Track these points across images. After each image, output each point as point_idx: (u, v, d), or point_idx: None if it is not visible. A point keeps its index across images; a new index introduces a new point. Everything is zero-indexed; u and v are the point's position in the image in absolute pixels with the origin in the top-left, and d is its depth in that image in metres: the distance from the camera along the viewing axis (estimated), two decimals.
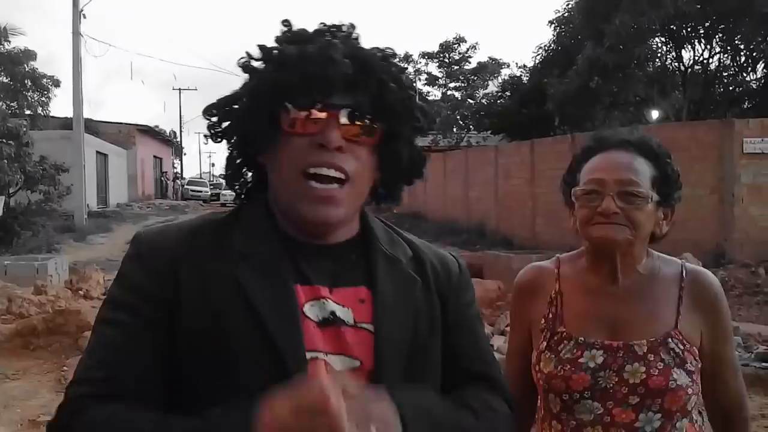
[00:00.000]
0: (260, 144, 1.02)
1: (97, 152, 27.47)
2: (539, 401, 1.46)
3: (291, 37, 1.02)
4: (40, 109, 26.54)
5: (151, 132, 39.79)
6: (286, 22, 1.04)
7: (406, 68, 1.16)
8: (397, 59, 1.06)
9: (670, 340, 1.35)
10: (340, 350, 0.97)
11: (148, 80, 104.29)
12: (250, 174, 1.11)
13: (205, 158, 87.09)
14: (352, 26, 1.06)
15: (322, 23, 1.05)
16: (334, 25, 1.04)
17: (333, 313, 0.99)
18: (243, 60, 1.04)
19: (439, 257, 1.14)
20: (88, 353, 0.98)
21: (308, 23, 1.05)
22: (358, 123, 1.00)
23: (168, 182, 45.03)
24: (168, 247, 1.00)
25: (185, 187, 45.45)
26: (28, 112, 24.85)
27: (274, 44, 1.03)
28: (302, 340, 0.94)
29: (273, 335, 0.93)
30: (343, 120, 0.98)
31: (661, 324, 1.37)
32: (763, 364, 6.08)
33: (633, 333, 1.36)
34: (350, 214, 1.05)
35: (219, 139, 1.06)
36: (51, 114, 28.21)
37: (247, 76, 1.04)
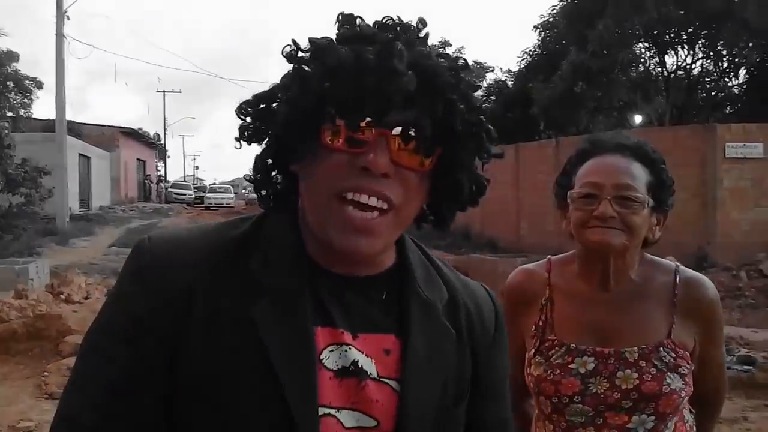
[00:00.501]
0: (295, 153, 0.88)
1: (80, 155, 27.22)
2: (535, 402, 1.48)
3: (348, 34, 0.85)
4: (23, 110, 26.32)
5: (134, 134, 39.53)
6: (345, 17, 0.88)
7: (480, 84, 0.94)
8: (470, 71, 0.90)
9: (661, 349, 1.35)
10: (357, 406, 0.85)
11: (132, 82, 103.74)
12: (280, 179, 0.93)
13: (189, 161, 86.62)
14: (422, 23, 0.89)
15: (386, 17, 0.88)
16: (399, 21, 0.87)
17: (355, 362, 0.85)
18: (289, 49, 0.87)
19: (475, 300, 0.99)
20: (77, 386, 0.84)
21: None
22: (413, 146, 0.84)
23: (151, 185, 44.71)
24: (183, 269, 0.84)
25: (169, 190, 45.12)
26: (10, 114, 24.64)
27: (327, 40, 0.85)
28: (316, 395, 0.82)
29: (284, 388, 0.80)
30: (396, 141, 0.83)
31: (653, 333, 1.36)
32: (745, 366, 6.12)
33: (624, 340, 1.36)
34: (389, 245, 0.91)
35: (251, 141, 0.91)
36: (33, 116, 27.99)
37: (286, 69, 0.88)
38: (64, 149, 19.34)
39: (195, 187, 49.80)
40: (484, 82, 31.23)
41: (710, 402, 1.51)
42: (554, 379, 1.35)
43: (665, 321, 1.37)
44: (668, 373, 1.32)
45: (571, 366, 1.35)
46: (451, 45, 38.32)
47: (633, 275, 1.40)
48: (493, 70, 32.64)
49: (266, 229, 0.90)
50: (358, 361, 0.85)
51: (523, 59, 22.34)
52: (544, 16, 20.84)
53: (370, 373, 0.86)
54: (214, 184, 58.55)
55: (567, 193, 1.40)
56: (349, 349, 0.85)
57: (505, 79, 25.50)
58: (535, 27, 21.17)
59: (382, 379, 0.86)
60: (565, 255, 1.51)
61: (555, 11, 19.94)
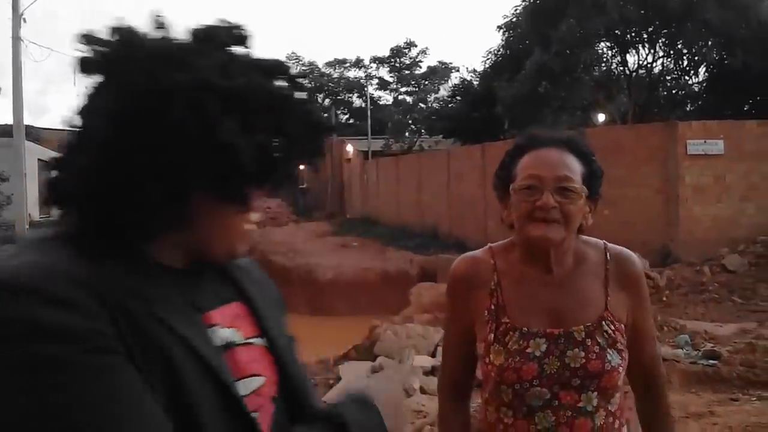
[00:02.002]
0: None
1: (39, 160, 26.62)
2: (486, 388, 1.48)
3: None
4: None
5: None
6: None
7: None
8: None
9: (603, 323, 1.43)
10: (242, 374, 0.88)
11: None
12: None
13: None
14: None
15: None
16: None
17: (225, 338, 0.89)
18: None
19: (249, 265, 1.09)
20: None
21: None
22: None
23: None
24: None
25: None
26: None
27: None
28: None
29: (217, 369, 0.82)
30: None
31: (594, 308, 1.44)
32: (710, 361, 6.21)
33: (571, 320, 1.43)
34: None
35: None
36: None
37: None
38: (23, 155, 18.85)
39: None
40: (449, 82, 31.48)
41: (655, 375, 1.57)
42: (515, 366, 1.39)
43: (602, 294, 1.45)
44: (608, 350, 1.40)
45: (528, 350, 1.40)
46: (416, 46, 38.60)
47: (570, 257, 1.48)
48: (458, 71, 32.96)
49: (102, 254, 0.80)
50: (227, 336, 0.89)
51: (488, 59, 22.48)
52: (507, 17, 20.98)
53: (238, 341, 0.91)
54: None
55: (507, 185, 1.47)
56: (218, 327, 0.89)
57: (471, 79, 25.65)
58: (499, 27, 21.29)
59: (249, 341, 0.93)
60: (504, 242, 1.57)
61: (518, 12, 20.08)
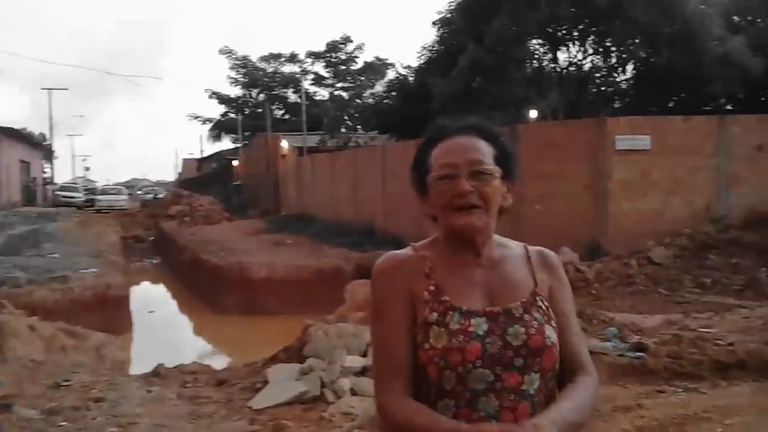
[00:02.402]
0: None
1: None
2: (421, 386, 1.42)
3: None
4: None
5: (16, 134, 37.12)
6: None
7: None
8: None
9: (537, 298, 1.46)
10: None
11: (14, 79, 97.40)
12: None
13: (79, 161, 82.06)
14: None
15: None
16: None
17: None
18: None
19: None
20: None
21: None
22: None
23: (37, 188, 42.17)
24: None
25: (56, 192, 42.64)
26: None
27: None
28: None
29: None
30: None
31: (526, 285, 1.48)
32: (638, 353, 6.28)
33: (507, 297, 1.45)
34: None
35: None
36: None
37: None
38: None
39: (85, 189, 47.31)
40: (385, 78, 31.39)
41: (585, 363, 1.51)
42: (460, 345, 1.38)
43: (529, 275, 1.51)
44: (546, 326, 1.42)
45: (470, 329, 1.40)
46: (352, 41, 38.40)
47: (495, 242, 1.52)
48: (394, 66, 32.87)
49: None
50: None
51: (423, 55, 22.47)
52: (442, 12, 21.02)
53: None
54: (107, 185, 56.00)
55: (423, 179, 1.51)
56: None
57: (406, 75, 25.61)
58: (434, 23, 21.33)
59: None
60: (425, 241, 1.57)
61: (452, 7, 20.14)
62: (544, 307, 1.46)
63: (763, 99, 20.14)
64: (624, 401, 5.24)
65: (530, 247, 1.58)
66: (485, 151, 1.47)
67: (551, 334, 1.42)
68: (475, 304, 1.44)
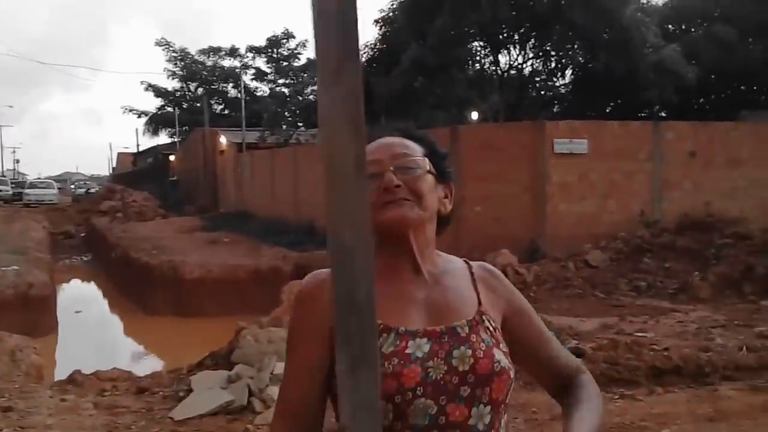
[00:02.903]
0: None
1: None
2: None
3: None
4: None
5: None
6: None
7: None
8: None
9: (483, 317, 1.31)
10: None
11: None
12: None
13: (8, 154, 78.80)
14: None
15: None
16: None
17: None
18: None
19: None
20: None
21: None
22: None
23: None
24: None
25: None
26: None
27: None
28: None
29: None
30: None
31: (471, 303, 1.33)
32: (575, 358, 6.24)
33: (451, 315, 1.30)
34: None
35: None
36: None
37: None
38: None
39: (13, 183, 45.41)
40: None
41: (577, 366, 1.41)
42: (395, 370, 1.20)
43: (473, 293, 1.35)
44: (495, 349, 1.26)
45: (408, 351, 1.23)
46: (294, 37, 37.93)
47: (436, 255, 1.38)
48: None
49: None
50: None
51: (365, 53, 22.26)
52: (384, 11, 20.89)
53: None
54: (36, 179, 53.89)
55: None
56: None
57: None
58: (376, 21, 21.17)
59: None
60: None
61: (395, 6, 20.03)
62: (491, 328, 1.30)
63: (696, 106, 20.80)
64: (561, 409, 5.15)
65: (472, 262, 1.44)
66: (413, 147, 1.38)
67: (501, 358, 1.26)
68: (413, 323, 1.27)
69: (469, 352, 1.25)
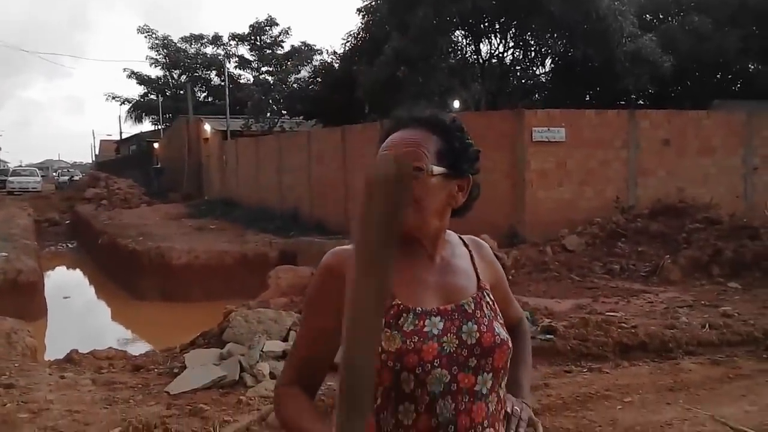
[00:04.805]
0: None
1: None
2: (378, 389, 1.36)
3: None
4: None
5: None
6: None
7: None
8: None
9: (484, 292, 1.47)
10: None
11: None
12: None
13: None
14: None
15: None
16: None
17: None
18: None
19: None
20: None
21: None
22: None
23: None
24: None
25: None
26: None
27: None
28: None
29: None
30: None
31: (473, 281, 1.49)
32: (547, 336, 6.60)
33: (459, 294, 1.44)
34: None
35: None
36: None
37: None
38: None
39: None
40: (311, 63, 31.16)
41: (524, 327, 1.75)
42: (416, 347, 1.34)
43: (472, 268, 1.51)
44: (494, 322, 1.43)
45: (425, 329, 1.37)
46: (278, 24, 37.86)
47: (446, 241, 1.50)
48: (320, 53, 32.65)
49: None
50: None
51: (348, 42, 22.44)
52: (367, 0, 21.03)
53: None
54: (19, 166, 53.48)
55: None
56: None
57: (332, 61, 25.53)
58: (359, 10, 21.33)
59: None
60: None
61: None
62: (490, 302, 1.48)
63: (673, 95, 21.23)
64: (533, 381, 5.50)
65: (464, 237, 1.59)
66: (425, 145, 1.41)
67: (500, 330, 1.43)
68: (428, 303, 1.42)
69: (475, 327, 1.40)
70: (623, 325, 7.03)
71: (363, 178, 1.10)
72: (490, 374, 1.40)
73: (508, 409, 1.45)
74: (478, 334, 1.39)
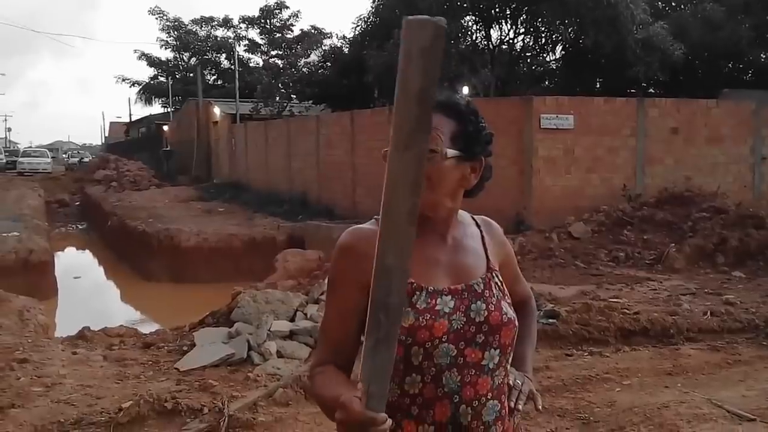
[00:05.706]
0: None
1: None
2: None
3: None
4: None
5: None
6: None
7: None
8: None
9: (493, 273, 1.53)
10: None
11: None
12: None
13: (0, 122, 78.40)
14: None
15: None
16: None
17: None
18: None
19: None
20: None
21: None
22: None
23: None
24: None
25: None
26: None
27: None
28: None
29: None
30: None
31: (482, 261, 1.54)
32: (550, 320, 6.68)
33: (469, 274, 1.50)
34: None
35: None
36: None
37: None
38: None
39: (6, 151, 45.39)
40: (321, 47, 31.14)
41: (531, 305, 1.81)
42: (428, 324, 1.40)
43: (482, 249, 1.57)
44: (502, 302, 1.49)
45: (437, 308, 1.43)
46: (288, 8, 37.81)
47: (458, 222, 1.55)
48: (330, 37, 32.62)
49: None
50: None
51: (358, 26, 22.41)
52: None
53: None
54: (29, 147, 53.77)
55: None
56: None
57: (341, 46, 25.52)
58: None
59: None
60: None
61: None
62: (499, 282, 1.53)
63: (684, 84, 21.11)
64: (534, 364, 5.60)
65: (475, 216, 1.64)
66: (441, 128, 1.44)
67: (508, 309, 1.49)
68: (440, 282, 1.47)
69: (484, 306, 1.46)
70: (626, 311, 7.10)
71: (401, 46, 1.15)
72: (498, 350, 1.46)
73: (510, 382, 1.51)
74: (486, 313, 1.45)
